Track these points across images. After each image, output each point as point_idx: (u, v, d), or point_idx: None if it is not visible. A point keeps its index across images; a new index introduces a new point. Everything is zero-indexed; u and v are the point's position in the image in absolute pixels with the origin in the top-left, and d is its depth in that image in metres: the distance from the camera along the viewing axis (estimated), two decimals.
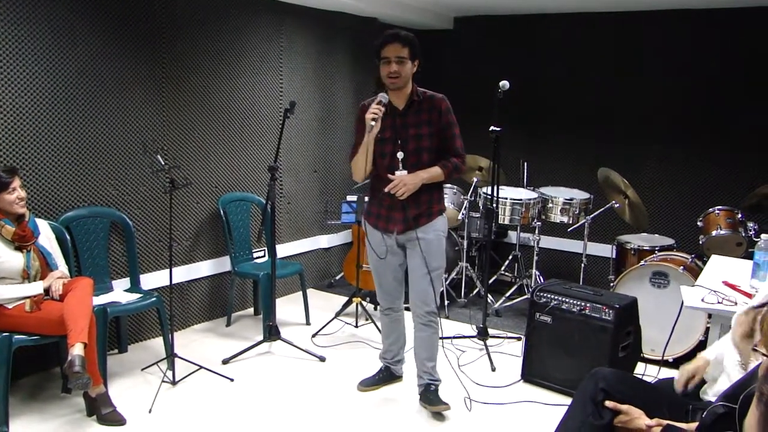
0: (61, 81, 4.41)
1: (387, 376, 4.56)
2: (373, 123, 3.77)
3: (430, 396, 4.16)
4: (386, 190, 3.89)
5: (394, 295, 4.29)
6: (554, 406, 4.27)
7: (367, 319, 5.66)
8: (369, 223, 4.18)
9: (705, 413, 2.37)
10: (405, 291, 4.29)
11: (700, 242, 5.49)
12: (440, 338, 4.19)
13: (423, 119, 3.96)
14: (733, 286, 3.57)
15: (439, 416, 4.12)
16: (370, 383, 4.52)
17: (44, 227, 4.14)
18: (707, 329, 4.43)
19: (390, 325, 4.41)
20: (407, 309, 4.26)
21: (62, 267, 4.15)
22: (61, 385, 4.28)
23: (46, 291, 3.92)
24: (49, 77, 4.35)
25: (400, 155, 3.93)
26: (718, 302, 3.33)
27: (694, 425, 2.44)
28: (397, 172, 3.92)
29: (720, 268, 4.06)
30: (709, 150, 6.34)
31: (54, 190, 4.47)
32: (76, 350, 3.57)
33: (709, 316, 3.68)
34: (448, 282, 6.18)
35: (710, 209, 5.52)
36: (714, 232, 5.37)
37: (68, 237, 4.42)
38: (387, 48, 3.85)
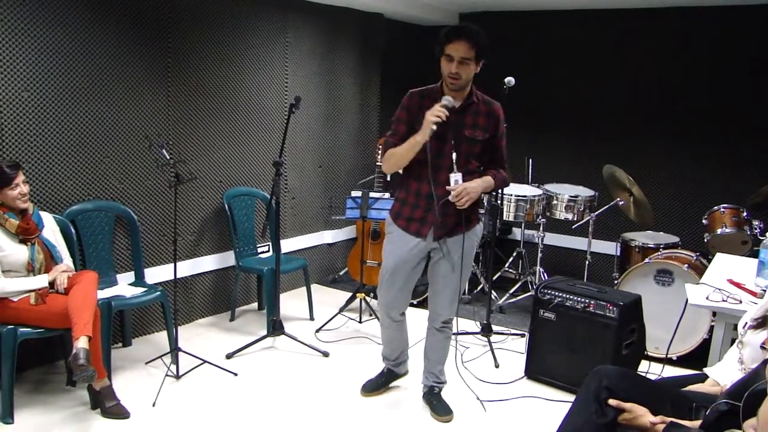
0: (66, 75, 4.42)
1: (390, 377, 4.42)
2: (434, 127, 3.51)
3: (433, 400, 4.15)
4: (450, 198, 3.62)
5: (403, 304, 4.09)
6: (557, 402, 4.27)
7: (371, 315, 5.66)
8: (398, 225, 3.88)
9: (708, 411, 2.37)
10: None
11: (705, 240, 5.48)
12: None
13: (480, 123, 3.73)
14: (738, 285, 3.57)
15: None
16: (372, 388, 4.36)
17: (49, 220, 4.15)
18: (711, 327, 4.43)
19: (394, 333, 4.20)
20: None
21: (67, 260, 4.16)
22: (65, 378, 4.29)
23: (51, 284, 3.93)
24: (55, 71, 4.35)
25: (454, 156, 3.66)
26: (723, 300, 3.33)
27: (697, 423, 2.44)
28: (453, 175, 3.66)
29: (725, 266, 4.05)
30: (714, 148, 6.32)
31: (59, 183, 4.47)
32: (81, 343, 3.57)
33: (714, 314, 3.66)
34: None
35: (715, 207, 5.51)
36: (719, 230, 5.36)
37: (73, 230, 4.43)
38: (453, 45, 3.55)
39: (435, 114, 3.50)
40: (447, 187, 3.66)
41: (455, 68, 3.55)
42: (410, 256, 3.86)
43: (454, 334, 5.11)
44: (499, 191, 5.15)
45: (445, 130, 3.61)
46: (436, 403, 4.13)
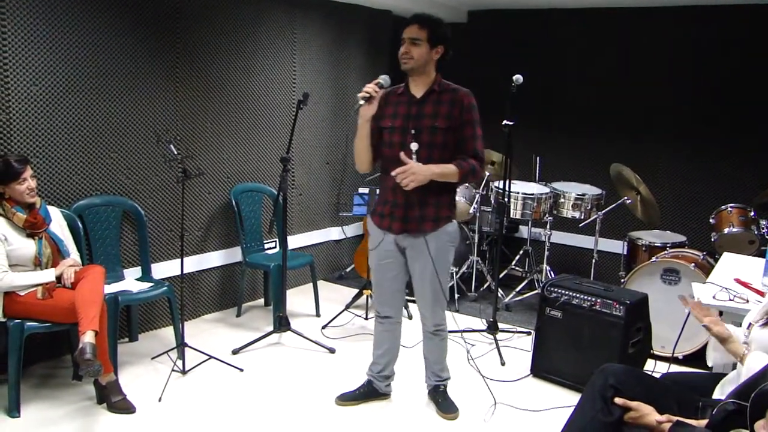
0: (75, 70, 4.43)
1: (369, 391, 4.20)
2: (362, 102, 3.58)
3: (438, 398, 4.12)
4: (393, 173, 3.56)
5: (392, 303, 4.00)
6: (563, 402, 4.26)
7: None
8: (373, 221, 3.89)
9: (715, 410, 2.37)
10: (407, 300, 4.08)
11: (712, 239, 5.46)
12: (450, 331, 4.17)
13: (442, 112, 3.66)
14: (745, 284, 3.56)
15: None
16: (349, 398, 4.18)
17: (56, 214, 4.16)
18: None
19: (382, 334, 4.09)
20: None
21: (74, 255, 4.17)
22: (72, 373, 4.30)
23: (58, 278, 3.94)
24: (64, 67, 4.36)
25: (414, 146, 3.60)
26: (730, 299, 3.33)
27: (704, 422, 2.44)
28: (413, 162, 3.59)
29: (732, 265, 4.04)
30: (722, 147, 6.29)
31: (67, 178, 4.48)
32: (87, 338, 3.58)
33: (720, 313, 3.65)
34: (458, 276, 6.17)
35: (723, 207, 5.50)
36: (726, 230, 5.34)
37: (80, 225, 4.44)
38: (406, 29, 3.67)
39: (364, 90, 3.57)
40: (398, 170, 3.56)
41: (404, 48, 3.63)
42: (383, 252, 3.85)
43: (461, 331, 5.14)
44: (507, 190, 5.13)
45: (403, 121, 3.67)
46: (441, 400, 4.11)
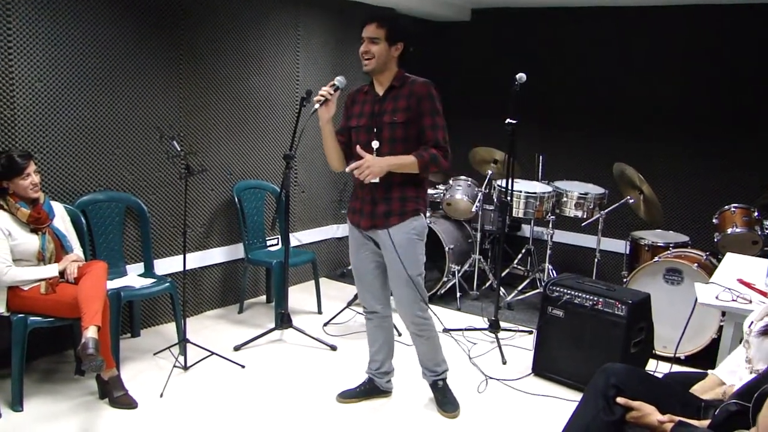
0: (79, 66, 4.43)
1: (370, 388, 4.21)
2: (317, 106, 3.62)
3: (438, 395, 4.11)
4: (347, 169, 3.62)
5: (376, 297, 3.98)
6: (565, 400, 4.26)
7: None
8: (348, 218, 3.95)
9: (717, 411, 2.37)
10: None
11: (715, 240, 5.45)
12: (450, 330, 4.16)
13: (400, 106, 3.66)
14: (748, 285, 3.55)
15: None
16: (350, 395, 4.18)
17: (59, 210, 4.16)
18: (721, 327, 4.41)
19: (374, 331, 4.10)
20: None
21: (77, 250, 4.17)
22: (74, 368, 4.32)
23: (62, 274, 3.95)
24: (68, 62, 4.37)
25: (374, 144, 3.65)
26: (733, 300, 3.32)
27: (706, 422, 2.43)
28: (373, 143, 3.67)
29: (735, 266, 4.03)
30: (725, 147, 6.29)
31: (70, 173, 4.49)
32: (90, 333, 3.58)
33: (723, 314, 3.65)
34: (460, 274, 6.17)
35: (726, 207, 5.48)
36: (729, 230, 5.33)
37: (84, 221, 4.45)
38: (365, 28, 3.68)
39: (319, 94, 3.62)
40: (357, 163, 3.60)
41: (363, 47, 3.66)
42: (360, 247, 3.90)
43: (462, 329, 5.14)
44: (510, 188, 5.13)
45: (368, 120, 3.72)
46: (441, 398, 4.10)
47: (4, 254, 3.79)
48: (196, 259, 5.39)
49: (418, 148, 3.64)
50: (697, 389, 2.86)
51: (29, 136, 4.23)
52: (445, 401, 4.08)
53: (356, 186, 3.83)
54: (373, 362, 4.19)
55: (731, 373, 2.86)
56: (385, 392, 4.24)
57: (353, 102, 3.85)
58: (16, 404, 3.80)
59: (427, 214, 3.81)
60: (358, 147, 3.63)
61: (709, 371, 3.00)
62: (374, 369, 4.19)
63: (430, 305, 3.92)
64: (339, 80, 3.72)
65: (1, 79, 4.04)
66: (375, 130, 3.69)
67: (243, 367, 4.55)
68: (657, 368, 4.47)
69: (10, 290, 3.85)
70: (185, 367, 4.44)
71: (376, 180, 3.60)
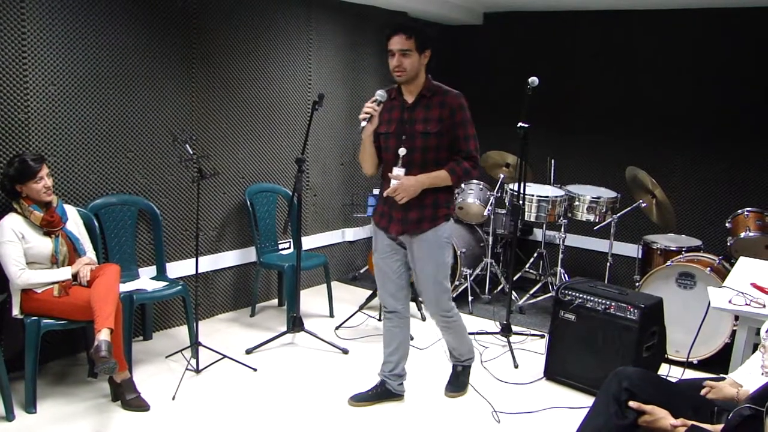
0: (92, 70, 4.46)
1: (382, 392, 4.20)
2: (363, 123, 3.65)
3: (452, 377, 4.34)
4: (384, 194, 3.77)
5: (397, 298, 4.04)
6: (578, 407, 4.25)
7: None
8: (374, 220, 4.01)
9: (731, 415, 2.35)
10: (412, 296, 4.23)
11: (728, 244, 5.43)
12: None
13: (432, 116, 3.74)
14: (761, 289, 3.53)
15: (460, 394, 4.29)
16: (362, 398, 4.19)
17: (72, 213, 4.18)
18: (734, 332, 4.38)
19: (391, 331, 4.13)
20: None
21: (90, 253, 4.19)
22: (87, 370, 4.34)
23: (74, 276, 3.97)
24: (81, 66, 4.39)
25: (401, 152, 3.71)
26: (746, 304, 3.30)
27: (719, 427, 2.42)
28: (395, 170, 3.73)
29: (748, 270, 4.01)
30: (739, 151, 6.26)
31: (83, 177, 4.52)
32: (103, 335, 3.60)
33: (736, 318, 3.63)
34: (472, 278, 6.17)
35: (739, 211, 5.47)
36: (743, 234, 5.30)
37: (97, 224, 4.46)
38: (392, 40, 3.67)
39: (364, 111, 3.64)
40: (391, 183, 3.73)
41: (395, 61, 3.67)
42: (382, 250, 3.97)
43: (474, 333, 5.13)
44: (522, 192, 5.12)
45: (397, 127, 3.77)
46: (452, 379, 4.31)
47: (17, 257, 3.81)
48: (209, 263, 5.40)
49: (449, 156, 3.76)
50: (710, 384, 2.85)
51: (43, 140, 4.25)
52: (454, 383, 4.31)
53: (385, 190, 3.84)
54: (387, 363, 4.20)
55: (748, 376, 2.85)
56: (397, 395, 4.23)
57: (382, 109, 3.79)
58: (30, 406, 3.82)
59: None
60: (391, 172, 3.75)
61: (728, 375, 2.98)
62: (387, 371, 4.20)
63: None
64: (380, 94, 3.71)
65: (16, 84, 4.07)
66: (404, 137, 3.75)
67: (255, 370, 4.56)
68: (669, 373, 4.47)
69: (24, 293, 3.87)
70: (197, 370, 4.45)
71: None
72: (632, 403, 2.62)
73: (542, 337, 5.34)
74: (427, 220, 3.80)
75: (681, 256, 5.32)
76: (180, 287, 4.69)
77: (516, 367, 4.83)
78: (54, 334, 4.11)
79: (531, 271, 6.77)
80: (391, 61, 3.69)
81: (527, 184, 5.37)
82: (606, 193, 6.04)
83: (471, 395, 4.31)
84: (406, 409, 4.15)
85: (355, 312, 5.60)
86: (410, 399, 4.27)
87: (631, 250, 6.36)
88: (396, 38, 3.65)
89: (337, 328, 5.41)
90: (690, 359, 4.61)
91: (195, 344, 4.54)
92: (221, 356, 4.61)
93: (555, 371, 4.62)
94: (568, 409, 4.20)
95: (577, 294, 4.48)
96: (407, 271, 4.00)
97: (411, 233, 3.82)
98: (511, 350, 5.00)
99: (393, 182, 3.71)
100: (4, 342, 3.91)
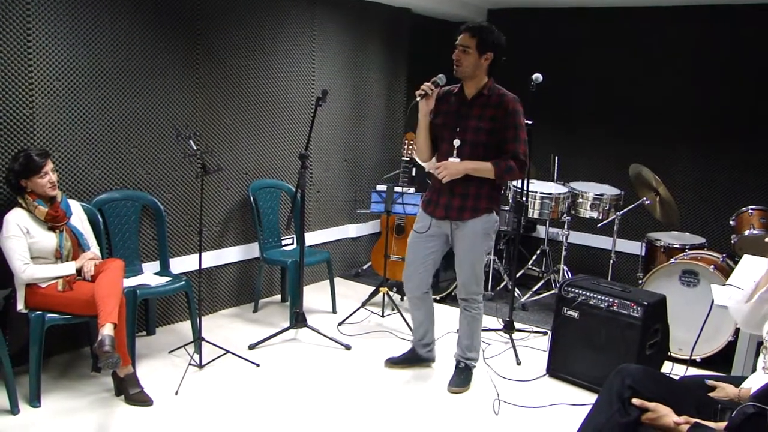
0: (97, 65, 4.46)
1: (413, 357, 4.65)
2: (418, 99, 3.99)
3: (455, 373, 4.40)
4: (428, 169, 4.13)
5: (418, 283, 4.36)
6: (580, 400, 4.25)
7: (393, 310, 5.66)
8: (422, 206, 4.32)
9: (735, 413, 2.35)
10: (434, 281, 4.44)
11: (732, 242, 5.42)
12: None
13: (487, 114, 4.01)
14: None
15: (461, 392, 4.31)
16: (396, 361, 4.64)
17: (76, 208, 4.19)
18: (737, 330, 4.39)
19: (417, 304, 4.47)
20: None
21: (94, 248, 4.20)
22: (90, 364, 4.35)
23: (78, 271, 3.98)
24: (86, 61, 4.39)
25: (456, 142, 4.02)
26: None
27: (723, 425, 2.42)
28: (451, 159, 4.02)
29: (752, 267, 4.00)
30: (743, 149, 6.25)
31: (88, 172, 4.52)
32: (106, 330, 3.61)
33: None
34: None
35: (743, 208, 5.46)
36: (747, 232, 5.30)
37: (100, 219, 4.47)
38: (459, 37, 3.98)
39: (421, 88, 3.99)
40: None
41: (455, 55, 3.99)
42: (421, 231, 4.24)
43: None
44: (525, 189, 5.12)
45: (455, 120, 4.07)
46: (455, 376, 4.38)
47: (22, 252, 3.82)
48: (212, 258, 5.41)
49: (498, 155, 4.01)
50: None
51: (47, 135, 4.26)
52: (457, 379, 4.38)
53: (436, 179, 4.14)
54: (416, 332, 4.61)
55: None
56: (426, 360, 4.67)
57: (443, 101, 4.16)
58: (34, 400, 3.83)
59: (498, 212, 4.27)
60: (433, 159, 4.19)
61: (743, 385, 2.97)
62: (417, 339, 4.61)
63: (444, 304, 4.41)
64: (440, 77, 4.07)
65: (20, 79, 4.08)
66: (458, 129, 4.05)
67: (258, 365, 4.57)
68: (672, 370, 4.46)
69: (28, 288, 3.88)
70: (200, 366, 4.46)
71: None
72: (635, 401, 2.61)
73: (545, 334, 5.34)
74: (469, 210, 4.08)
75: (684, 253, 5.32)
76: (183, 282, 4.69)
77: (518, 364, 4.84)
78: (58, 328, 4.11)
79: (534, 268, 6.77)
80: (453, 54, 4.00)
81: (531, 180, 5.37)
82: (609, 191, 6.03)
83: (474, 390, 4.31)
84: (408, 404, 4.16)
85: (358, 308, 5.61)
86: (412, 395, 4.29)
87: (635, 247, 6.36)
88: (462, 35, 3.97)
89: (339, 324, 5.41)
90: (693, 357, 4.61)
91: (198, 339, 4.54)
92: (224, 351, 4.61)
93: (558, 368, 4.62)
94: (570, 406, 4.21)
95: (580, 291, 4.49)
96: (437, 259, 4.33)
97: (453, 219, 4.11)
98: (514, 347, 5.00)
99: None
100: (8, 336, 3.91)
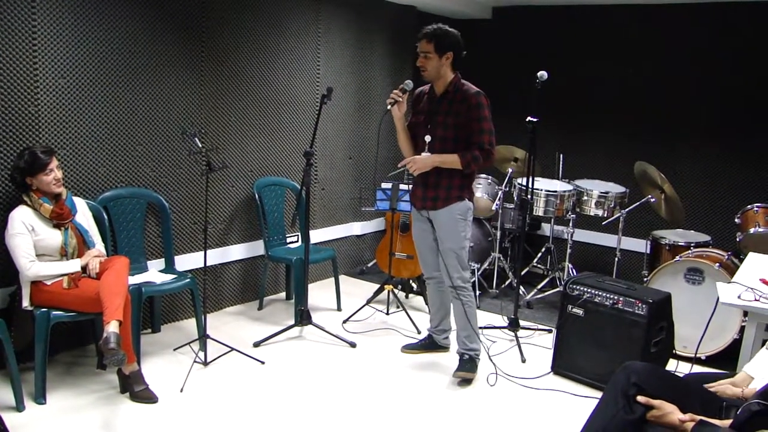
0: (102, 63, 4.47)
1: (429, 344, 4.91)
2: (389, 107, 4.30)
3: (459, 364, 4.48)
4: (399, 165, 4.45)
5: (432, 265, 4.61)
6: (584, 398, 4.25)
7: (398, 307, 5.67)
8: (410, 199, 4.64)
9: (740, 410, 2.35)
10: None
11: (737, 239, 5.40)
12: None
13: (453, 110, 4.27)
14: None
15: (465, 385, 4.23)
16: (413, 347, 4.92)
17: (81, 205, 4.20)
18: (742, 328, 4.38)
19: (434, 293, 4.76)
20: None
21: (99, 245, 4.21)
22: (96, 362, 4.35)
23: (84, 269, 3.99)
24: (91, 59, 4.40)
25: (427, 138, 4.31)
26: (755, 300, 3.29)
27: (728, 422, 2.42)
28: (423, 154, 4.31)
29: (758, 265, 4.00)
30: (748, 146, 6.23)
31: (93, 169, 4.53)
32: (112, 327, 3.62)
33: (745, 314, 3.62)
34: (480, 272, 6.17)
35: (748, 206, 5.44)
36: (752, 230, 5.28)
37: (106, 216, 4.48)
38: (419, 44, 4.27)
39: (391, 96, 4.29)
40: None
41: (419, 62, 4.29)
42: (417, 226, 4.59)
43: (482, 327, 5.14)
44: (530, 187, 5.11)
45: (426, 117, 4.39)
46: (460, 364, 4.49)
47: (27, 249, 3.83)
48: (217, 256, 5.41)
49: (466, 147, 4.23)
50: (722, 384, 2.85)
51: (52, 133, 4.27)
52: (463, 366, 4.47)
53: (416, 175, 4.40)
54: (432, 320, 4.89)
55: (760, 369, 2.84)
56: (442, 347, 4.90)
57: (418, 100, 4.52)
58: (39, 397, 3.84)
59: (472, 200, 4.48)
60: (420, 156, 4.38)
61: (742, 369, 2.97)
62: (434, 326, 4.88)
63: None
64: (407, 83, 4.39)
65: (25, 76, 4.09)
66: (429, 126, 4.34)
67: (263, 363, 4.57)
68: (677, 368, 4.45)
69: (34, 285, 3.89)
70: (205, 363, 4.46)
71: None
72: (640, 398, 2.61)
73: (550, 331, 5.34)
74: (441, 200, 4.34)
75: (689, 251, 5.30)
76: (188, 280, 4.70)
77: (523, 361, 4.84)
78: (63, 325, 4.12)
79: (539, 265, 6.77)
80: (417, 62, 4.30)
81: (536, 178, 5.36)
82: (614, 188, 6.02)
83: (476, 390, 4.31)
84: (414, 402, 4.16)
85: (363, 306, 5.60)
86: (417, 392, 4.29)
87: (640, 245, 6.35)
88: (421, 42, 4.25)
89: (344, 321, 5.41)
90: (698, 355, 4.61)
91: (203, 337, 4.55)
92: (229, 349, 4.62)
93: (562, 366, 4.62)
94: (575, 403, 4.20)
95: (585, 289, 4.48)
96: (437, 244, 4.50)
97: (428, 209, 4.40)
98: (519, 345, 5.00)
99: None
100: (14, 333, 3.92)
